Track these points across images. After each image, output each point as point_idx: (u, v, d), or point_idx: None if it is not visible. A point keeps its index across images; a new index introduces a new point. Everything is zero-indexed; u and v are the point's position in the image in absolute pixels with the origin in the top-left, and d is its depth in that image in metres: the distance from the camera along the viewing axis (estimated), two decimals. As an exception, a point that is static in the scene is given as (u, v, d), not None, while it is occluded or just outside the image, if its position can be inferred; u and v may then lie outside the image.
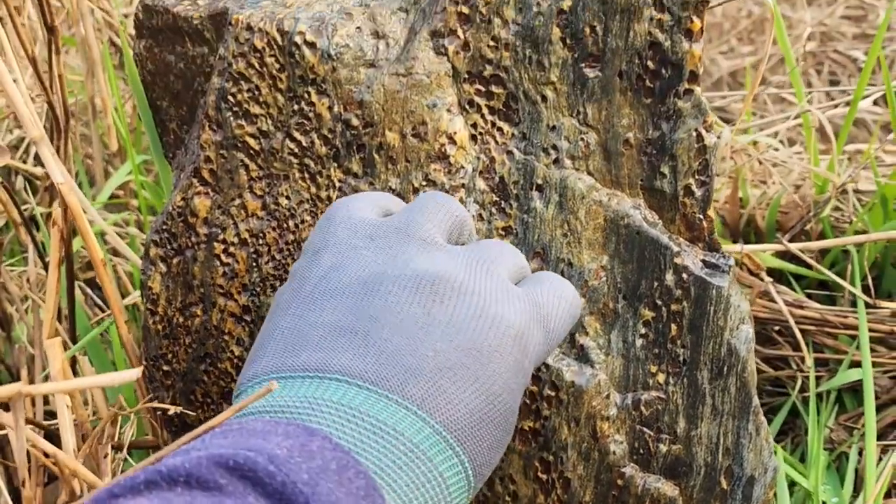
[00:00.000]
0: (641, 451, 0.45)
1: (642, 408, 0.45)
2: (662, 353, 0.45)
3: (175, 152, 0.50)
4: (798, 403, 0.64)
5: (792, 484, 0.56)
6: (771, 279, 0.68)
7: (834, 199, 0.69)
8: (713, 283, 0.45)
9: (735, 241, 0.76)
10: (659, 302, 0.45)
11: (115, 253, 0.75)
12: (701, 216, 0.45)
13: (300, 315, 0.35)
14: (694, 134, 0.44)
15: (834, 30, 1.31)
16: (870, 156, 0.68)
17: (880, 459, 0.57)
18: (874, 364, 0.64)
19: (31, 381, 0.51)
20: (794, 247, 0.65)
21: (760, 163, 0.75)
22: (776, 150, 0.80)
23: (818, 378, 0.65)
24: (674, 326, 0.45)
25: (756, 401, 0.46)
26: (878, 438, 0.59)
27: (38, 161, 0.85)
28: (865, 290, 0.66)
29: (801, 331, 0.66)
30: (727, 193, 0.77)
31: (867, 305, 0.63)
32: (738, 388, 0.45)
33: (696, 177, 0.45)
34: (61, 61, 0.52)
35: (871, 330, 0.63)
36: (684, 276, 0.45)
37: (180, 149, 0.49)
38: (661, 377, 0.45)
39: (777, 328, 0.69)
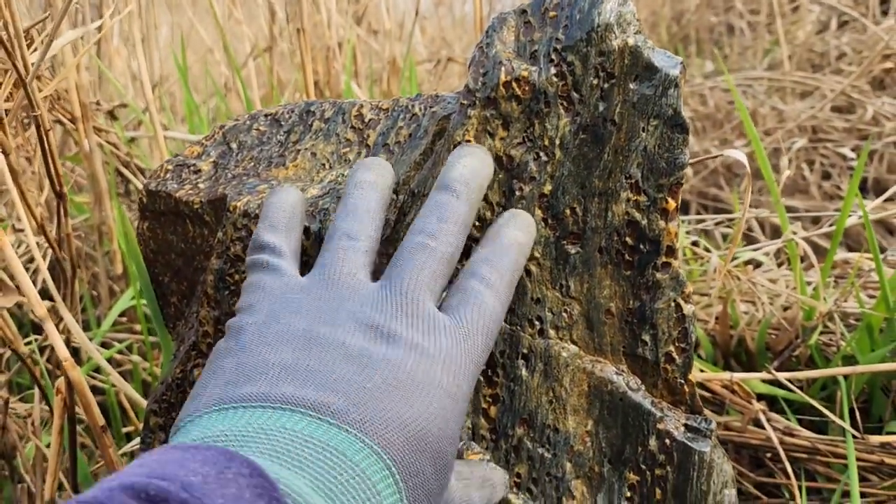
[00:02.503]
0: None
1: (629, 574, 0.46)
2: (648, 516, 0.46)
3: (176, 323, 0.51)
4: (793, 534, 0.65)
5: None
6: (763, 403, 0.69)
7: (821, 325, 0.70)
8: (695, 449, 0.46)
9: (726, 362, 0.77)
10: (643, 466, 0.46)
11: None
12: (682, 381, 0.47)
13: (243, 356, 0.37)
14: (673, 304, 0.46)
15: (825, 123, 1.34)
16: (853, 283, 0.70)
17: None
18: (867, 495, 0.65)
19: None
20: (783, 376, 0.67)
21: (750, 283, 0.76)
22: (768, 268, 0.82)
23: (812, 507, 0.66)
24: (658, 491, 0.46)
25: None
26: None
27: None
28: (855, 416, 0.67)
29: (794, 458, 0.67)
30: (718, 310, 0.78)
31: (855, 437, 0.64)
32: (724, 552, 0.46)
33: (677, 344, 0.46)
34: (69, 222, 0.55)
35: (861, 460, 0.63)
36: (667, 441, 0.46)
37: (181, 320, 0.51)
38: (647, 540, 0.46)
39: (769, 454, 0.69)
